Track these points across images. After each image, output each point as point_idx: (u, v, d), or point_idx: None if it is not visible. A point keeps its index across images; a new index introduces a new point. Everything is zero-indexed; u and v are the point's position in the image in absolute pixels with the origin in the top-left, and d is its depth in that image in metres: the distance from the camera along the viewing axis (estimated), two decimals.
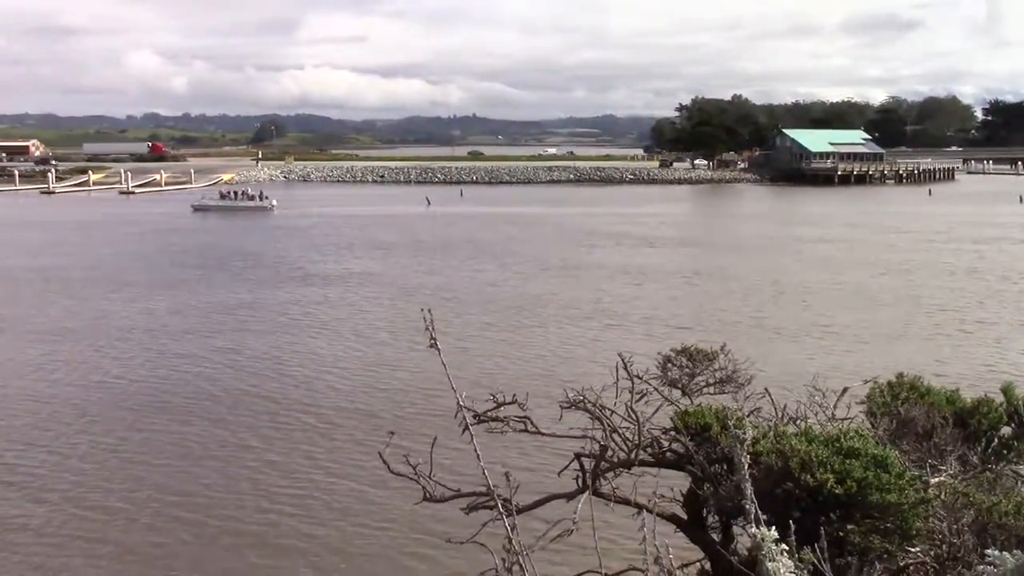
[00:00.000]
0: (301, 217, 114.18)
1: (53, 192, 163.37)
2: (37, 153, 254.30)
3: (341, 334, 46.58)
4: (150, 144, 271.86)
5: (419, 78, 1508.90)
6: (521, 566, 4.78)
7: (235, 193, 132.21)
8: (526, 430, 9.21)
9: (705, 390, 11.13)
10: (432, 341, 5.32)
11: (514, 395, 8.78)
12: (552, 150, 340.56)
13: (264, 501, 25.58)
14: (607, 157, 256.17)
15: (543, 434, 9.33)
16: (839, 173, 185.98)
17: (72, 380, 38.08)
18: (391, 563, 22.27)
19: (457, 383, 5.35)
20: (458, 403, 5.53)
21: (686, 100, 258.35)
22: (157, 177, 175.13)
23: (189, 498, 25.57)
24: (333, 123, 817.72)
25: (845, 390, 10.53)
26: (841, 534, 7.08)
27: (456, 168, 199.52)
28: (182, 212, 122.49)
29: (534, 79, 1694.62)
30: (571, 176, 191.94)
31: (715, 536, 9.16)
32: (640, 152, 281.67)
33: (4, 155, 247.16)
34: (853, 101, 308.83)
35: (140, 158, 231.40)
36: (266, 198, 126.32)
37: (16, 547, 22.87)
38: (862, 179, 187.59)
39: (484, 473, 5.33)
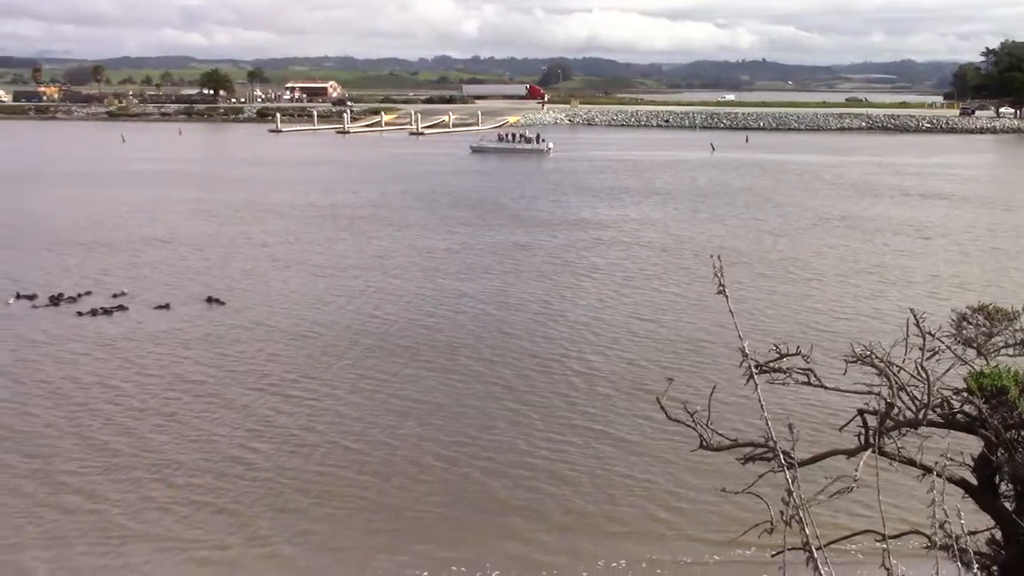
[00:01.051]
0: (579, 160, 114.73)
1: (348, 132, 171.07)
2: (334, 95, 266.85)
3: (612, 281, 46.52)
4: (528, 86, 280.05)
5: (707, 21, 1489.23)
6: (800, 520, 4.57)
7: (512, 135, 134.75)
8: (808, 383, 9.02)
9: (1004, 351, 10.55)
10: (720, 288, 5.26)
11: (798, 347, 8.49)
12: (731, 96, 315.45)
13: (521, 442, 25.91)
14: (903, 104, 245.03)
15: (826, 388, 9.12)
16: None
17: (348, 315, 39.73)
18: (649, 511, 22.07)
19: (733, 333, 5.07)
20: (742, 352, 5.41)
21: (993, 44, 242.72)
22: (445, 119, 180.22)
23: (448, 437, 26.05)
24: (619, 66, 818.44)
25: None
26: None
27: (742, 114, 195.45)
28: (463, 153, 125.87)
29: (828, 22, 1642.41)
30: (862, 124, 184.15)
31: (1008, 505, 8.59)
32: (939, 99, 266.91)
33: (305, 96, 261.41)
34: None
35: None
36: (543, 140, 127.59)
37: (285, 471, 23.96)
38: None
39: (767, 424, 5.16)
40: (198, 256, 52.14)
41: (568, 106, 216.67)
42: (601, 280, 46.45)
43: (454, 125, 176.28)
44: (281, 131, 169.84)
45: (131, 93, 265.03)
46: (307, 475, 23.79)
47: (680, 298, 42.27)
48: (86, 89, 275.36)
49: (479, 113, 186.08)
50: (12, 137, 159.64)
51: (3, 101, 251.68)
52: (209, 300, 41.68)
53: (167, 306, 40.70)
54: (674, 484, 23.04)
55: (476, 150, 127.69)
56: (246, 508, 22.14)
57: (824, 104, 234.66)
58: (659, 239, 58.19)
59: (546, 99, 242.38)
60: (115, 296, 42.18)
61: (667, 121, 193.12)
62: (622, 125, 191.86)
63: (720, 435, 8.62)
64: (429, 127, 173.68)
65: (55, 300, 41.43)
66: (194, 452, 25.26)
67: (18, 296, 42.04)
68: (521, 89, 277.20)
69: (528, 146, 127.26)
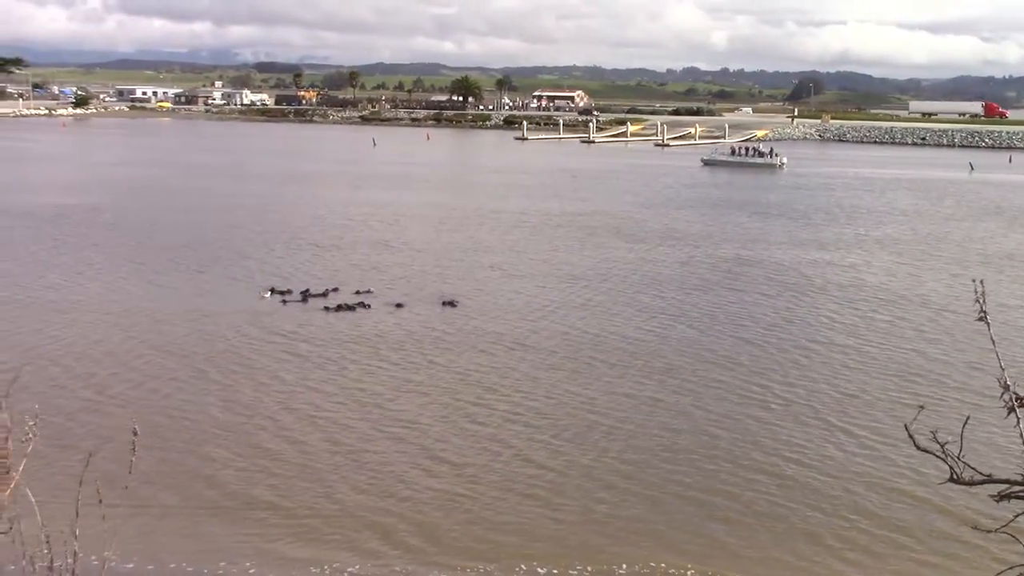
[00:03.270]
0: (815, 176, 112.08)
1: (592, 142, 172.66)
2: (581, 104, 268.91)
3: (841, 304, 45.68)
4: (984, 104, 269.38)
5: (971, 34, 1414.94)
6: None
7: (745, 149, 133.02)
8: None
9: None
10: (982, 314, 5.04)
11: None
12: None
13: (733, 471, 25.96)
14: None
15: None
16: None
17: (569, 327, 40.29)
18: (876, 550, 21.68)
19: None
20: (1003, 384, 5.09)
21: None
22: (691, 131, 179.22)
23: (651, 470, 25.64)
24: (874, 81, 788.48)
25: None
26: None
27: (1007, 132, 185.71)
28: (699, 166, 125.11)
29: None
30: None
31: None
32: None
33: (551, 104, 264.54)
34: None
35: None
36: (776, 155, 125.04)
37: (479, 482, 24.40)
38: None
39: None
40: (437, 259, 54.32)
41: (819, 121, 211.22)
42: (828, 303, 45.69)
43: (700, 137, 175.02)
44: (527, 139, 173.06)
45: (383, 98, 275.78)
46: (499, 489, 24.11)
47: (915, 323, 41.29)
48: (342, 94, 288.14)
49: (726, 126, 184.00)
50: (272, 138, 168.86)
51: (266, 104, 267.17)
52: (444, 303, 43.48)
53: (401, 306, 42.82)
54: (914, 519, 22.63)
55: (707, 163, 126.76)
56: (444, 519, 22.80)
57: None
58: (892, 264, 56.46)
59: (795, 112, 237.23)
60: (358, 293, 44.63)
61: (923, 139, 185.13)
62: (875, 142, 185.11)
63: (972, 468, 8.46)
64: (675, 139, 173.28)
65: (305, 296, 44.12)
66: (409, 455, 26.50)
67: (272, 291, 44.88)
68: (977, 106, 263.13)
69: (760, 160, 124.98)
